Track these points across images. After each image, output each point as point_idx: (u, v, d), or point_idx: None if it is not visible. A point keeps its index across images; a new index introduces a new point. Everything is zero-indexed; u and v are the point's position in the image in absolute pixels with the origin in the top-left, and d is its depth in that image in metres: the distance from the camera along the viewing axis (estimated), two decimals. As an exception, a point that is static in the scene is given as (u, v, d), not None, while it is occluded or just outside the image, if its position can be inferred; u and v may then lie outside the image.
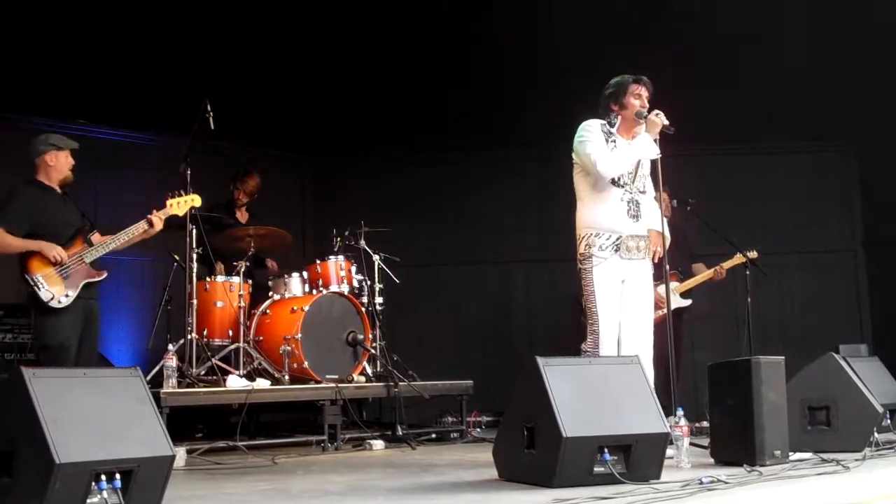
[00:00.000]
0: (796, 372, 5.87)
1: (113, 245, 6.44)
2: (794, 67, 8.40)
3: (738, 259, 8.24)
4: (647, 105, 5.89)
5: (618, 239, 5.75)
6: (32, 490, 3.56)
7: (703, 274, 8.27)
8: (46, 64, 8.11)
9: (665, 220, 6.04)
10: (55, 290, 6.13)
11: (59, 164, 6.44)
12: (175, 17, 7.98)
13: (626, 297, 5.80)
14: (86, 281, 6.26)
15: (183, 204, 6.86)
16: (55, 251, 6.16)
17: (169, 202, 6.81)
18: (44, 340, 6.27)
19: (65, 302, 6.15)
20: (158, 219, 6.59)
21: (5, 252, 6.20)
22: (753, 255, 8.22)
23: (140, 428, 3.91)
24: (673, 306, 7.71)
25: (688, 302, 8.17)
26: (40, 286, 6.11)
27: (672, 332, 5.79)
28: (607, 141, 5.77)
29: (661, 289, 7.94)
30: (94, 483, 3.64)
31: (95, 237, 6.47)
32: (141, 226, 6.53)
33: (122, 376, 4.08)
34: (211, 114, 7.11)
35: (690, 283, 8.18)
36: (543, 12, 8.17)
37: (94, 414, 3.79)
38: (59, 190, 6.49)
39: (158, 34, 8.11)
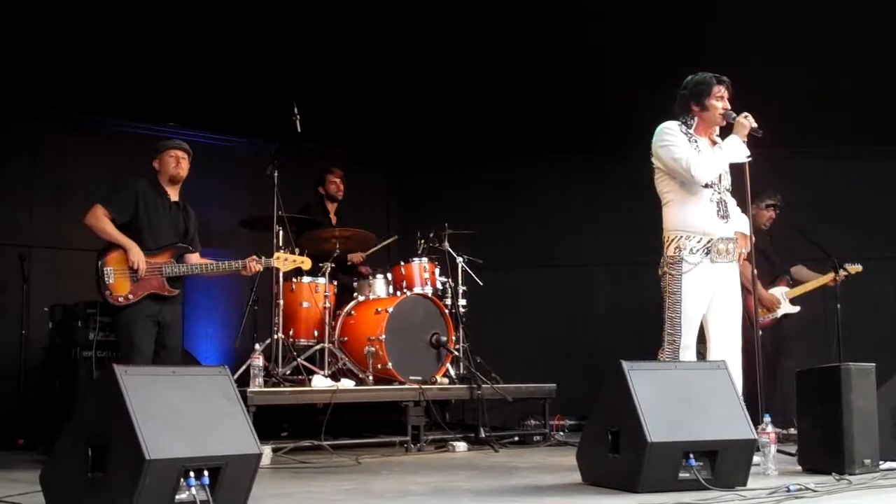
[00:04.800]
0: (887, 379, 5.73)
1: (197, 270, 6.54)
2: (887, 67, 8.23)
3: (854, 268, 8.11)
4: (729, 106, 5.79)
5: (709, 242, 5.60)
6: (123, 485, 3.63)
7: (818, 279, 8.12)
8: (138, 67, 8.28)
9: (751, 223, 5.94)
10: (116, 288, 6.26)
11: (161, 165, 6.62)
12: (267, 22, 8.09)
13: (716, 302, 5.66)
14: (152, 292, 6.33)
15: (289, 262, 6.94)
16: (137, 256, 6.28)
17: (276, 254, 6.93)
18: (117, 338, 6.56)
19: (122, 301, 6.26)
20: (257, 266, 6.68)
21: (99, 234, 6.37)
22: (858, 268, 8.11)
23: (228, 426, 3.96)
24: (782, 312, 7.66)
25: (797, 308, 8.02)
26: (106, 277, 6.26)
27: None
28: (689, 143, 5.65)
29: (776, 290, 7.86)
30: (182, 479, 3.71)
31: (194, 258, 6.60)
32: (235, 265, 6.64)
33: (211, 375, 4.14)
34: (298, 117, 7.18)
35: (803, 288, 8.05)
36: (616, 16, 8.11)
37: (184, 411, 3.86)
38: (172, 198, 6.62)
39: (249, 38, 8.23)
